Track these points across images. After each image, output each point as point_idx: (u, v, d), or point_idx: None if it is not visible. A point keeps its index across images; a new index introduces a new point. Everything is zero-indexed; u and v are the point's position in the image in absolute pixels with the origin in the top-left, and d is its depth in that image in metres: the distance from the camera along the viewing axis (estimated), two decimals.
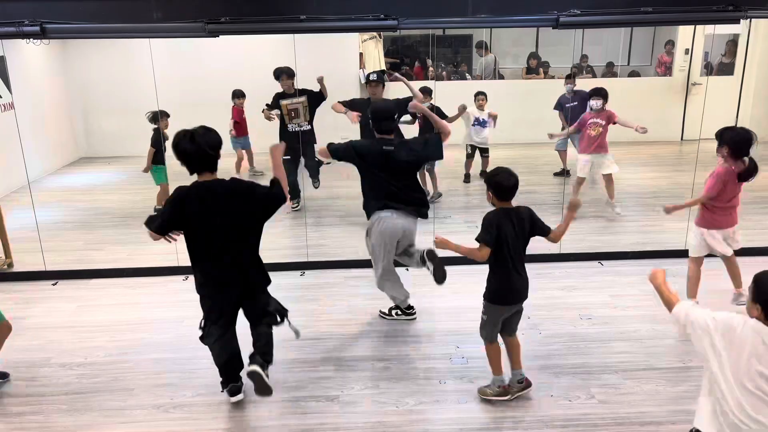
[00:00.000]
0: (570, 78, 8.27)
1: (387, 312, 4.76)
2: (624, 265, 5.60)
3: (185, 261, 5.75)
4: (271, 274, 5.52)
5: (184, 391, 3.90)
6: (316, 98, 7.12)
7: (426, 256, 4.38)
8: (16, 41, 5.82)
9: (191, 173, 3.40)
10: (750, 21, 8.96)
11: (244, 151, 8.64)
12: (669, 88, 10.62)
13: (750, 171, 4.30)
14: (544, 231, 3.56)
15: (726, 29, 9.59)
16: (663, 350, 4.25)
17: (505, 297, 3.57)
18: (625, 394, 3.78)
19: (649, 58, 12.27)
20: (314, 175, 7.51)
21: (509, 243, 3.44)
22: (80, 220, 7.22)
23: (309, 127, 7.19)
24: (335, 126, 9.24)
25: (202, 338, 3.65)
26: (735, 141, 4.26)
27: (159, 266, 5.65)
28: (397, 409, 3.69)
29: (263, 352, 3.61)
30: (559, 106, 8.26)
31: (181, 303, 5.05)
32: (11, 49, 7.63)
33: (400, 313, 4.74)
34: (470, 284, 3.54)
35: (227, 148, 7.96)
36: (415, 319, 4.71)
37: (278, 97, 7.11)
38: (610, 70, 11.52)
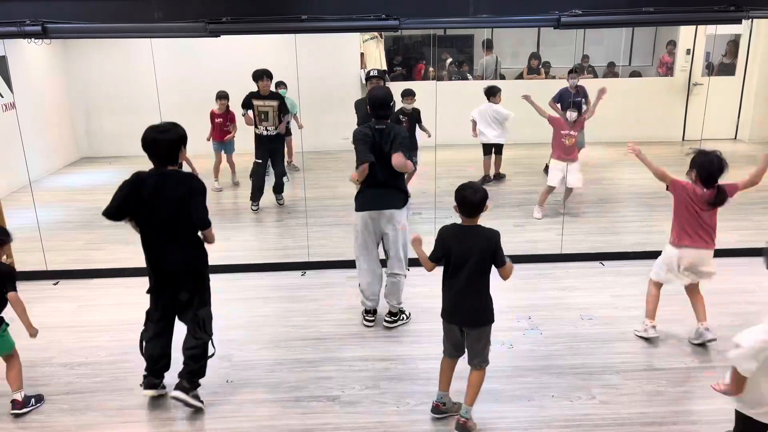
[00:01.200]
0: (573, 72, 8.14)
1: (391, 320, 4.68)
2: (625, 266, 5.59)
3: None
4: (272, 274, 5.62)
5: None
6: (284, 108, 7.16)
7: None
8: (18, 41, 5.82)
9: (154, 164, 3.54)
10: (751, 21, 8.99)
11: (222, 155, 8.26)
12: (670, 88, 10.61)
13: (719, 199, 4.04)
14: (497, 263, 3.34)
15: (727, 29, 9.58)
16: (664, 351, 4.24)
17: (444, 312, 3.49)
18: (627, 395, 3.77)
19: (651, 59, 12.27)
20: (278, 189, 7.46)
21: (457, 261, 3.33)
22: (81, 220, 7.22)
23: (275, 133, 7.20)
24: (335, 126, 9.27)
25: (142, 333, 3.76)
26: (705, 168, 4.01)
27: None
28: (398, 409, 3.69)
29: (189, 374, 3.67)
30: (559, 98, 8.17)
31: None
32: (13, 48, 7.63)
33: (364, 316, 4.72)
34: None
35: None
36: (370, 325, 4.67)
37: (251, 96, 7.11)
38: (611, 71, 11.51)
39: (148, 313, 3.77)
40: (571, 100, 7.84)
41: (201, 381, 3.74)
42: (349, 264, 5.66)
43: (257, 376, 4.04)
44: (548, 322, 4.62)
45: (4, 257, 5.70)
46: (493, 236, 3.32)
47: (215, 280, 5.50)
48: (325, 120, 9.24)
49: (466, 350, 3.50)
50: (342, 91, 9.96)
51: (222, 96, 7.94)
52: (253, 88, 7.18)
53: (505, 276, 3.38)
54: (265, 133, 7.12)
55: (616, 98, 9.51)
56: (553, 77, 11.03)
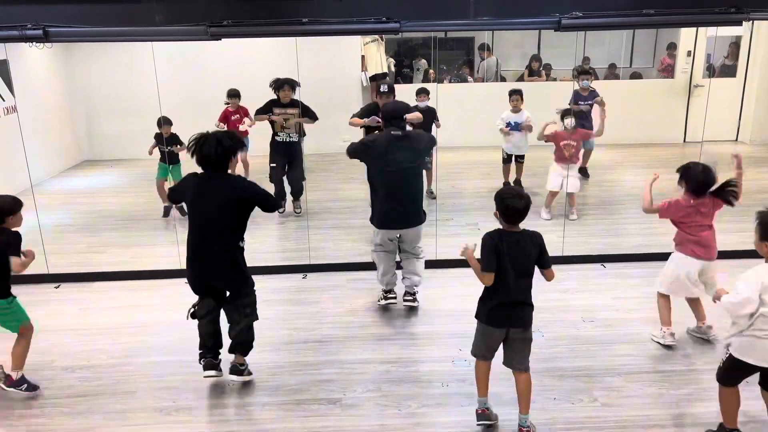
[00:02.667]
0: (587, 74, 8.02)
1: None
2: (627, 268, 5.58)
3: None
4: (274, 277, 5.62)
5: (186, 394, 3.90)
6: (307, 113, 7.03)
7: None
8: (19, 45, 5.82)
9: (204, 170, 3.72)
10: (752, 23, 8.98)
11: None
12: (671, 90, 10.61)
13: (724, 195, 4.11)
14: (543, 264, 3.41)
15: (728, 31, 9.58)
16: (666, 353, 4.24)
17: (489, 318, 3.39)
18: (629, 397, 3.77)
19: (651, 60, 12.27)
20: (296, 196, 7.31)
21: (508, 267, 3.31)
22: (83, 223, 7.22)
23: (297, 139, 7.11)
24: (337, 128, 9.27)
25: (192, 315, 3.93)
26: (697, 181, 4.10)
27: (161, 269, 5.66)
28: (399, 412, 3.68)
29: (240, 344, 3.92)
30: (574, 100, 8.13)
31: (183, 306, 5.00)
32: (14, 52, 7.64)
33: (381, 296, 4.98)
34: (472, 286, 3.52)
35: None
36: (393, 302, 4.92)
37: (272, 104, 7.07)
38: (612, 72, 11.51)
39: (194, 304, 3.95)
40: (583, 103, 7.83)
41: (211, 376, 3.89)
42: (351, 267, 5.69)
43: (259, 379, 4.03)
44: (549, 324, 4.61)
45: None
46: (539, 238, 3.37)
47: None
48: (326, 122, 9.21)
49: (505, 354, 3.46)
50: (343, 93, 9.97)
51: (233, 95, 7.88)
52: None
53: (549, 277, 3.44)
54: (286, 140, 7.06)
55: (618, 100, 9.53)
56: (554, 79, 11.03)
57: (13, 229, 3.83)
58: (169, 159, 6.95)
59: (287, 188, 7.31)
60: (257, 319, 3.96)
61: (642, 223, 6.83)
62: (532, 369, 4.03)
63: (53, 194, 8.38)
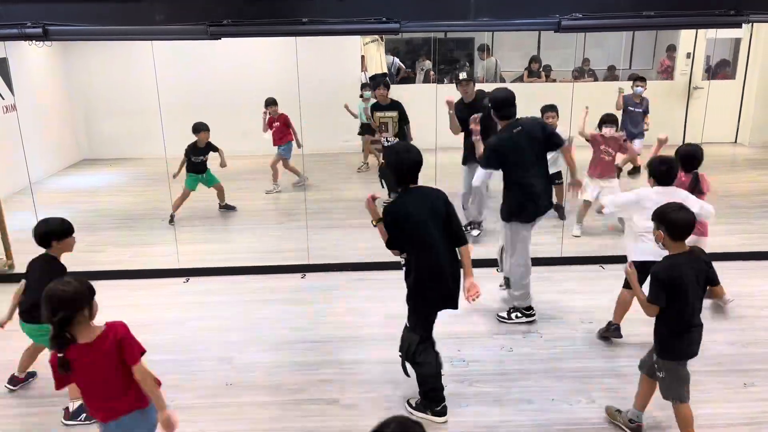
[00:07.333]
0: (641, 80, 7.84)
1: (506, 315, 4.71)
2: None
3: (186, 263, 5.75)
4: (272, 277, 5.62)
5: (185, 393, 3.89)
6: (404, 117, 6.95)
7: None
8: (19, 43, 5.83)
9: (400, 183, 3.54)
10: (751, 25, 8.99)
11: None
12: (670, 91, 10.61)
13: (696, 185, 4.59)
14: (714, 281, 3.09)
15: (728, 33, 9.60)
16: None
17: (691, 353, 3.19)
18: (627, 398, 3.76)
19: (651, 62, 12.28)
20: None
21: (689, 294, 2.96)
22: (82, 222, 7.17)
23: (395, 140, 6.94)
24: (336, 128, 9.29)
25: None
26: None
27: (161, 268, 5.66)
28: (397, 412, 3.68)
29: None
30: (623, 104, 7.92)
31: (182, 305, 5.05)
32: (14, 50, 7.64)
33: (520, 315, 4.69)
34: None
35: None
36: (534, 320, 4.68)
37: (372, 108, 6.95)
38: (611, 74, 11.52)
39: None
40: (634, 109, 7.77)
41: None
42: (349, 267, 5.69)
43: (257, 379, 4.04)
44: (548, 325, 4.61)
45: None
46: (707, 260, 3.06)
47: (217, 282, 5.53)
48: (326, 122, 9.25)
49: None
50: (342, 93, 9.97)
51: (271, 103, 7.79)
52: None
53: (719, 293, 3.53)
54: (385, 143, 6.96)
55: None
56: (554, 80, 11.04)
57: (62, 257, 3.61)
58: (201, 168, 6.95)
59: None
60: (403, 356, 3.71)
61: None
62: (531, 370, 4.05)
63: (52, 193, 8.37)
